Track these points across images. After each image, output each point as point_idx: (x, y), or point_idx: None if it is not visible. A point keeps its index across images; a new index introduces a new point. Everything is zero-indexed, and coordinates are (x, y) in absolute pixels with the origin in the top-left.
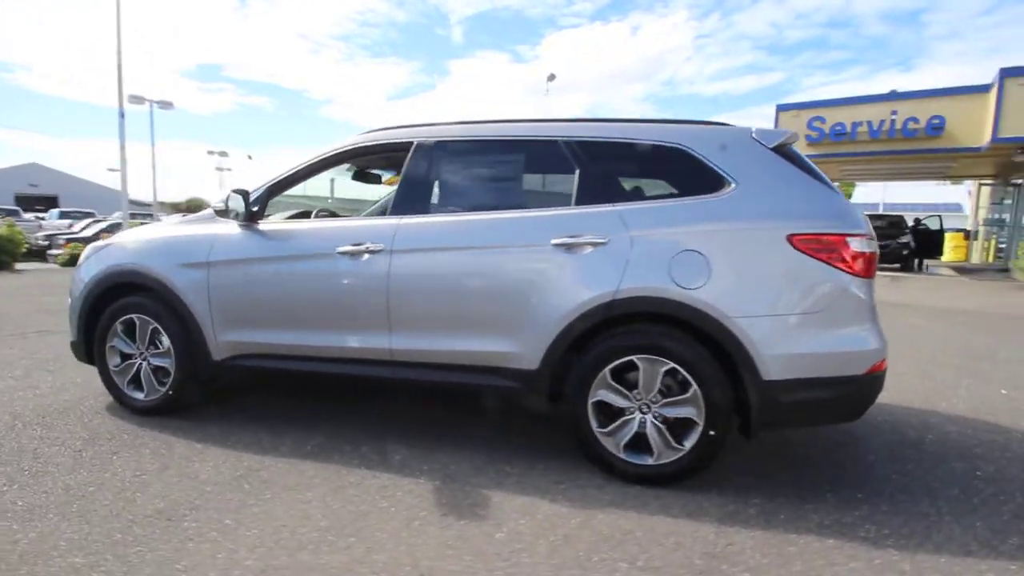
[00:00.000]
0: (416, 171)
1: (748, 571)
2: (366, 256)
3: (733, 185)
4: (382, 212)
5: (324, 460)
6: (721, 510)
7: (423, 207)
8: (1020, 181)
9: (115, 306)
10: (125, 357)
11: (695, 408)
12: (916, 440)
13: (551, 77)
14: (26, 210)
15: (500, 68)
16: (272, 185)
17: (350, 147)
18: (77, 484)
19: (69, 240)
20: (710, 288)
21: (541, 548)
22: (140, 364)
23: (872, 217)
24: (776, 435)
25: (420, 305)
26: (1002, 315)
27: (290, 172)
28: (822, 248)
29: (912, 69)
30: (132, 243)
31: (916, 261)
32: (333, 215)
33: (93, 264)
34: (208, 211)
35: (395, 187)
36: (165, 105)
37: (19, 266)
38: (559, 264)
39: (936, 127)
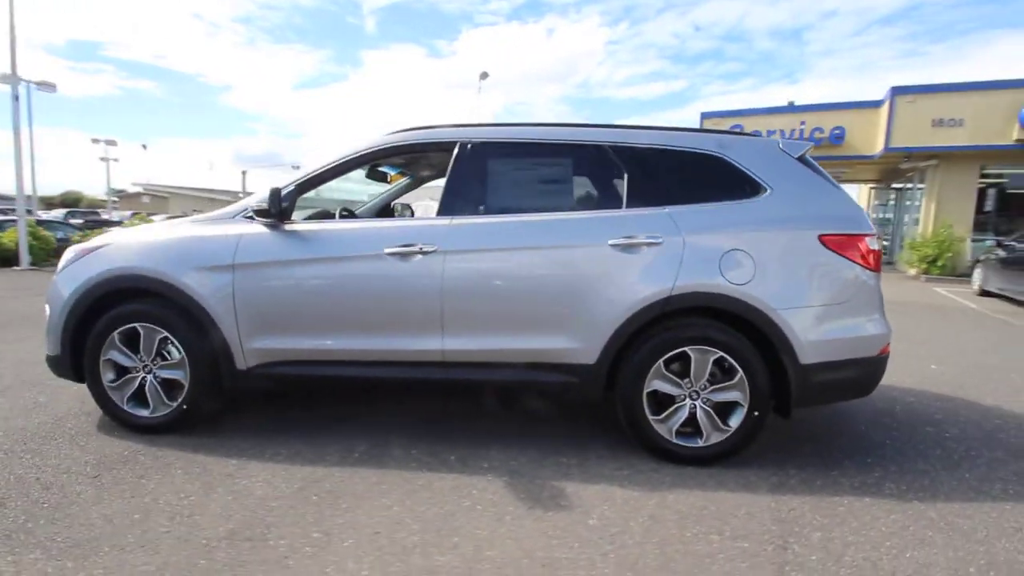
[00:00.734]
0: (463, 171)
1: (818, 530)
2: (418, 257)
3: (768, 190)
4: (382, 209)
5: (380, 466)
6: (767, 482)
7: (472, 207)
8: (900, 185)
9: (112, 315)
10: (122, 371)
11: (741, 392)
12: (888, 411)
13: (484, 75)
14: None
15: (417, 62)
16: (302, 183)
17: (387, 144)
18: (116, 513)
19: None
20: (756, 283)
21: (636, 529)
22: (144, 378)
23: None
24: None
25: (476, 306)
26: (898, 302)
27: (322, 169)
28: (846, 246)
29: (796, 82)
30: (134, 246)
31: None
32: (352, 215)
33: (81, 269)
34: (224, 210)
35: (391, 186)
36: (46, 87)
37: None
38: (617, 263)
39: (838, 136)
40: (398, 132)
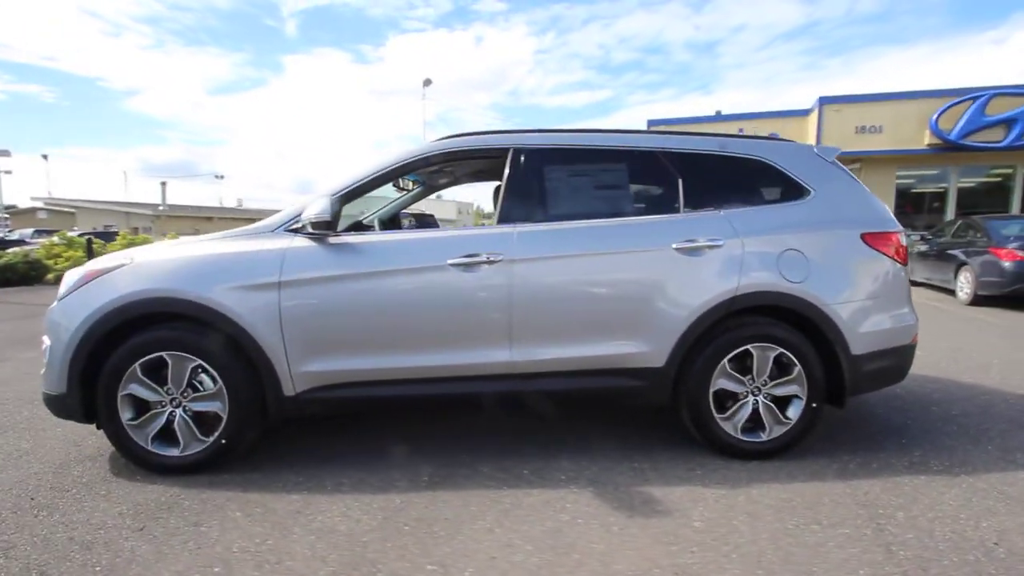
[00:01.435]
0: (519, 178)
1: (899, 510)
2: (484, 267)
3: (812, 192)
4: (391, 219)
5: (456, 487)
6: (830, 470)
7: (533, 215)
8: None
9: (135, 344)
10: (142, 407)
11: (799, 385)
12: (897, 395)
13: (427, 82)
14: None
15: (341, 67)
16: (348, 192)
17: (437, 151)
18: (189, 568)
19: None
20: (811, 281)
21: (742, 528)
22: (172, 412)
23: None
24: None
25: (545, 314)
26: None
27: (368, 177)
28: (883, 243)
29: (711, 93)
30: (160, 265)
31: None
32: (361, 225)
33: (94, 293)
34: (259, 224)
35: (399, 196)
36: None
37: None
38: (682, 266)
39: None
40: (446, 138)
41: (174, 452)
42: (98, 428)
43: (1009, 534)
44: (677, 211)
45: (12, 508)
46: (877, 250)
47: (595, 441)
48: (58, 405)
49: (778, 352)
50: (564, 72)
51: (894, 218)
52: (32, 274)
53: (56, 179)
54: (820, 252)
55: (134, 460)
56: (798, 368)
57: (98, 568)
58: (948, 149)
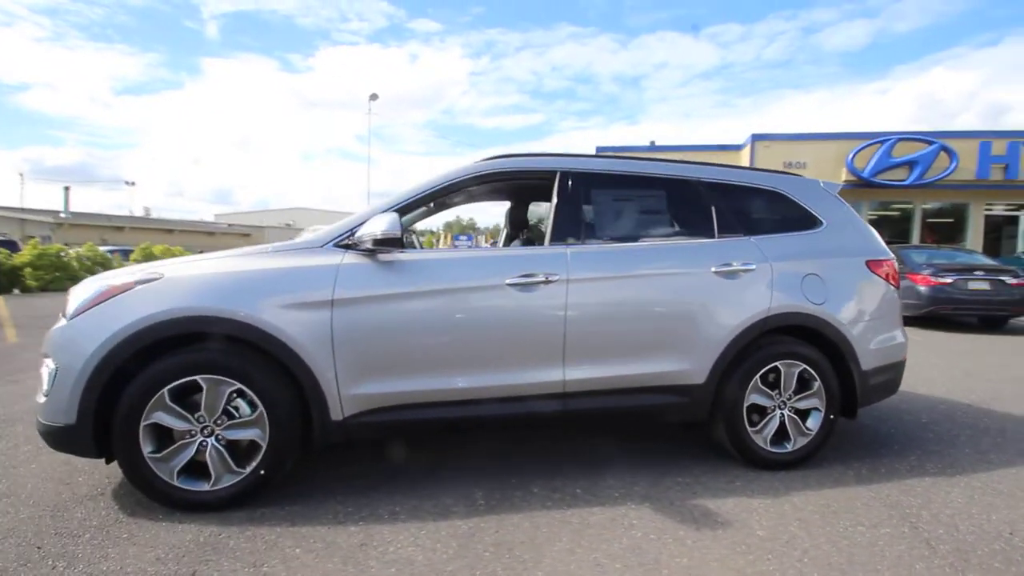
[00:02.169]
0: (568, 200)
1: (922, 508)
2: (542, 286)
3: (824, 223)
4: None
5: (517, 509)
6: (848, 476)
7: (582, 235)
8: None
9: (164, 367)
10: (165, 438)
11: (819, 399)
12: (899, 410)
13: (373, 96)
14: None
15: (267, 74)
16: (401, 208)
17: (484, 171)
18: None
19: None
20: (829, 303)
21: (800, 534)
22: (204, 442)
23: None
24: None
25: (598, 333)
26: None
27: (419, 194)
28: (882, 270)
29: (636, 123)
30: (198, 280)
31: None
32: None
33: (116, 311)
34: (305, 239)
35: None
36: None
37: None
38: (721, 288)
39: None
40: (493, 159)
41: (203, 486)
42: (108, 463)
43: (1018, 524)
44: (712, 236)
45: (19, 560)
46: (877, 275)
47: (629, 458)
48: (64, 438)
49: (801, 368)
50: (499, 95)
51: (886, 246)
52: None
53: None
54: (834, 277)
55: (155, 497)
56: (818, 383)
57: None
58: (862, 185)
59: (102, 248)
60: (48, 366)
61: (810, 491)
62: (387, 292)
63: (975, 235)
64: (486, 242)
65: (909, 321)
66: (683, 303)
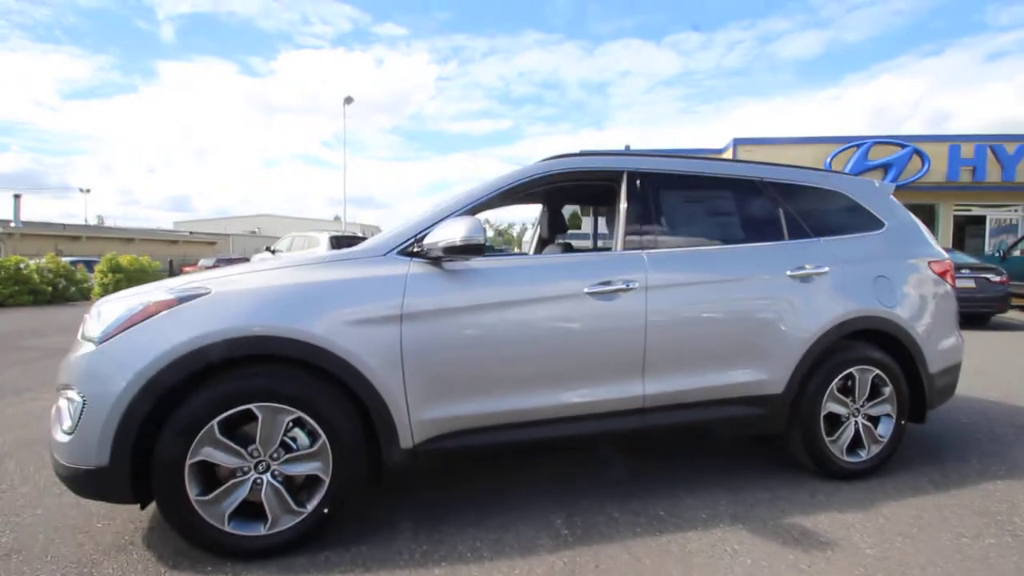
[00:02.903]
0: (639, 202)
1: (1007, 512)
2: (622, 294)
3: (886, 225)
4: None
5: (608, 539)
6: (923, 483)
7: (656, 239)
8: None
9: (215, 395)
10: (211, 479)
11: (891, 405)
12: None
13: (348, 100)
14: None
15: (226, 78)
16: (470, 210)
17: (555, 170)
18: None
19: None
20: (900, 307)
21: (907, 548)
22: (259, 479)
23: None
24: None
25: (678, 343)
26: None
27: (487, 195)
28: (943, 271)
29: (603, 129)
30: (248, 296)
31: None
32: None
33: (151, 334)
34: (357, 248)
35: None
36: None
37: None
38: (797, 292)
39: None
40: (557, 158)
41: (259, 531)
42: (143, 507)
43: None
44: (782, 238)
45: None
46: (939, 276)
47: (694, 475)
48: (94, 483)
49: (875, 374)
50: (466, 100)
51: (941, 247)
52: None
53: None
54: (901, 279)
55: (204, 545)
56: (889, 388)
57: None
58: None
59: (64, 260)
60: (71, 399)
61: (894, 502)
62: (461, 304)
63: (944, 235)
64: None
65: None
66: (760, 309)
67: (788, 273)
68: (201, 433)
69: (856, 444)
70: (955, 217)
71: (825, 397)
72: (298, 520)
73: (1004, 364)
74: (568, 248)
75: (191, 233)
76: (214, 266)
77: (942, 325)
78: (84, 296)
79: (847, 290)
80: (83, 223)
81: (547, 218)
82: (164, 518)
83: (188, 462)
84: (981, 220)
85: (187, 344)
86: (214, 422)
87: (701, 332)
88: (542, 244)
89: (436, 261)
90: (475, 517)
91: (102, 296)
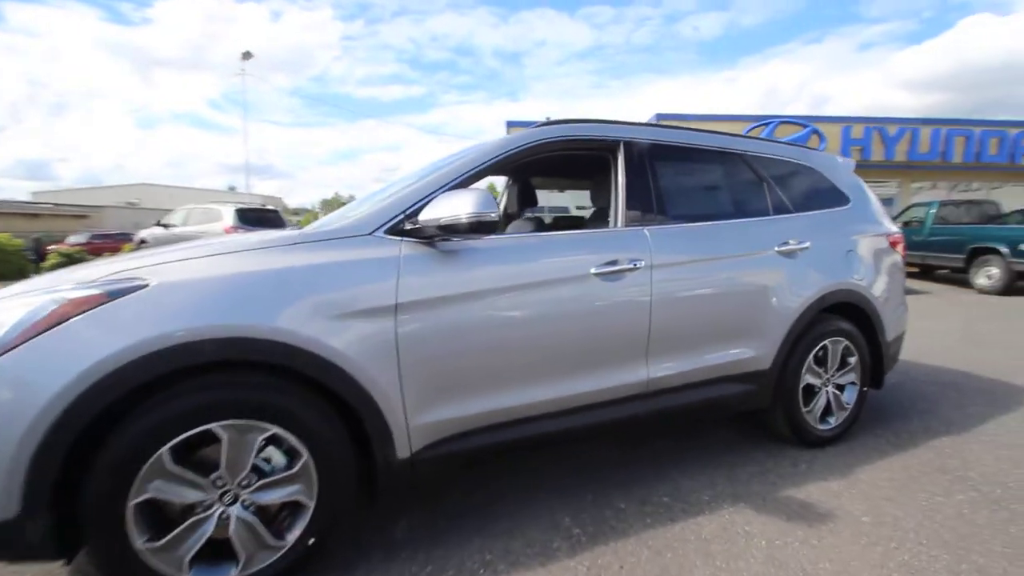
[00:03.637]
0: (636, 174)
1: (968, 469)
2: (628, 274)
3: (850, 200)
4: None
5: (621, 534)
6: (884, 446)
7: (654, 214)
8: None
9: (160, 417)
10: (163, 519)
11: (855, 373)
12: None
13: (247, 55)
14: None
15: (88, 24)
16: (461, 182)
17: (551, 137)
18: None
19: None
20: (867, 279)
21: (898, 513)
22: (225, 514)
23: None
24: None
25: (679, 323)
26: None
27: (478, 167)
28: (897, 244)
29: (518, 100)
30: (200, 287)
31: None
32: None
33: (71, 343)
34: (334, 227)
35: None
36: None
37: None
38: (783, 268)
39: None
40: (555, 124)
41: (230, 573)
42: (68, 563)
43: None
44: (767, 214)
45: None
46: (895, 250)
47: (681, 456)
48: (2, 539)
49: (844, 344)
50: (375, 63)
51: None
52: None
53: None
54: (867, 253)
55: None
56: (855, 357)
57: None
58: None
59: None
60: None
61: (867, 466)
62: (463, 290)
63: None
64: None
65: None
66: (754, 286)
67: (776, 249)
68: (147, 465)
69: (827, 412)
70: None
71: (804, 369)
72: (278, 555)
73: (930, 328)
74: (541, 224)
75: (55, 205)
76: (87, 244)
77: (896, 295)
78: None
79: (825, 265)
80: None
81: (516, 191)
82: (99, 573)
83: (131, 502)
84: None
85: (125, 353)
86: (164, 450)
87: (701, 311)
88: (507, 219)
89: (429, 241)
90: (477, 525)
91: None
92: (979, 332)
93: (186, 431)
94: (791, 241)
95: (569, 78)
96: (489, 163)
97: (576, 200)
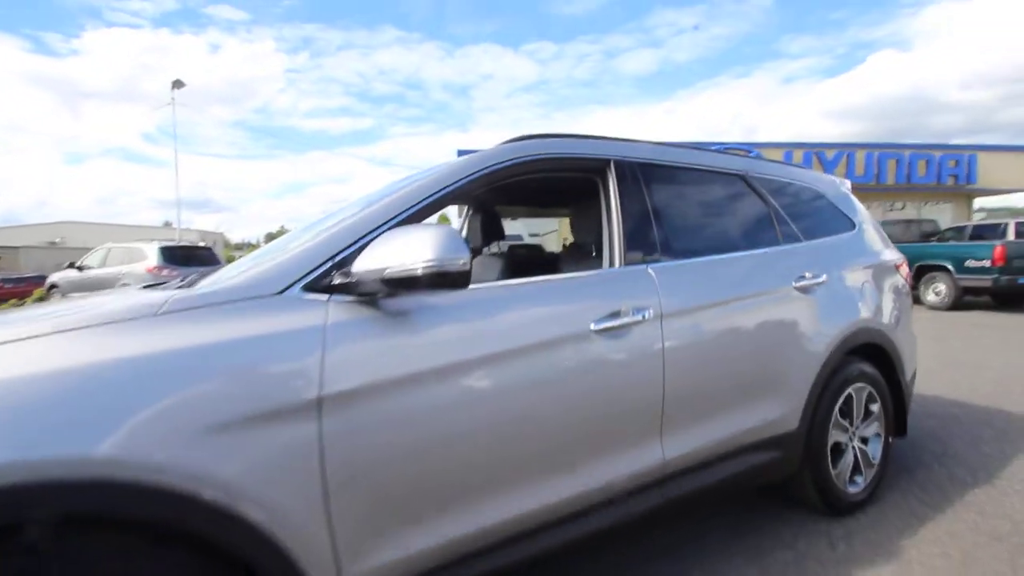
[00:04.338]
0: (630, 200)
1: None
2: (636, 328)
3: (856, 225)
4: None
5: None
6: (920, 498)
7: (657, 248)
8: None
9: None
10: None
11: (879, 422)
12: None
13: (178, 84)
14: None
15: (12, 56)
16: (408, 220)
17: (524, 156)
18: None
19: None
20: (883, 313)
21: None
22: None
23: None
24: None
25: (699, 384)
26: None
27: (435, 194)
28: (904, 272)
29: (468, 131)
30: (16, 389)
31: None
32: None
33: None
34: (216, 287)
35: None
36: None
37: None
38: (802, 307)
39: None
40: (526, 140)
41: None
42: None
43: None
44: (778, 243)
45: None
46: (902, 276)
47: (695, 542)
48: None
49: (868, 391)
50: (322, 96)
51: None
52: None
53: None
54: (880, 284)
55: None
56: (878, 404)
57: None
58: None
59: None
60: None
61: (911, 538)
62: (421, 368)
63: None
64: None
65: None
66: (777, 330)
67: (794, 285)
68: None
69: (855, 471)
70: None
71: (831, 424)
72: None
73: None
74: (513, 261)
75: None
76: None
77: (909, 327)
78: None
79: (843, 301)
80: None
81: (478, 221)
82: None
83: None
84: None
85: None
86: None
87: (722, 367)
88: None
89: (370, 299)
90: None
91: None
92: (949, 352)
93: None
94: (807, 274)
95: (517, 110)
96: (450, 189)
97: (531, 227)
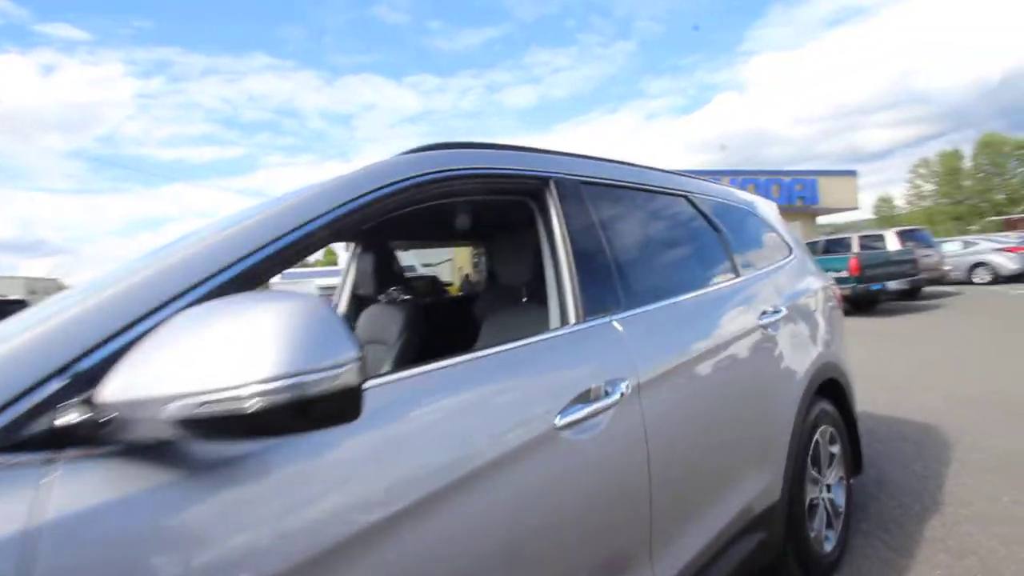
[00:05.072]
0: (580, 229)
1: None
2: (611, 411)
3: (793, 251)
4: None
5: None
6: (886, 541)
7: (618, 295)
8: None
9: None
10: None
11: (840, 465)
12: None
13: None
14: None
15: None
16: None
17: (420, 177)
18: None
19: None
20: (834, 344)
21: None
22: None
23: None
24: None
25: (687, 471)
26: None
27: (281, 241)
28: (836, 293)
29: (350, 160)
30: None
31: None
32: None
33: None
34: None
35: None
36: None
37: None
38: (770, 347)
39: None
40: (431, 151)
41: None
42: None
43: None
44: (734, 272)
45: None
46: (837, 302)
47: None
48: None
49: (830, 432)
50: (182, 122)
51: None
52: None
53: None
54: (827, 312)
55: None
56: (838, 445)
57: None
58: None
59: None
60: None
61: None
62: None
63: None
64: None
65: None
66: (754, 379)
67: (760, 322)
68: None
69: (828, 527)
70: None
71: (806, 481)
72: None
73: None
74: (415, 313)
75: None
76: None
77: (844, 354)
78: None
79: (802, 336)
80: None
81: (370, 263)
82: None
83: None
84: None
85: None
86: None
87: (711, 438)
88: (359, 305)
89: (156, 446)
90: None
91: None
92: (856, 362)
93: None
94: (767, 308)
95: (401, 139)
96: (323, 222)
97: (423, 257)
